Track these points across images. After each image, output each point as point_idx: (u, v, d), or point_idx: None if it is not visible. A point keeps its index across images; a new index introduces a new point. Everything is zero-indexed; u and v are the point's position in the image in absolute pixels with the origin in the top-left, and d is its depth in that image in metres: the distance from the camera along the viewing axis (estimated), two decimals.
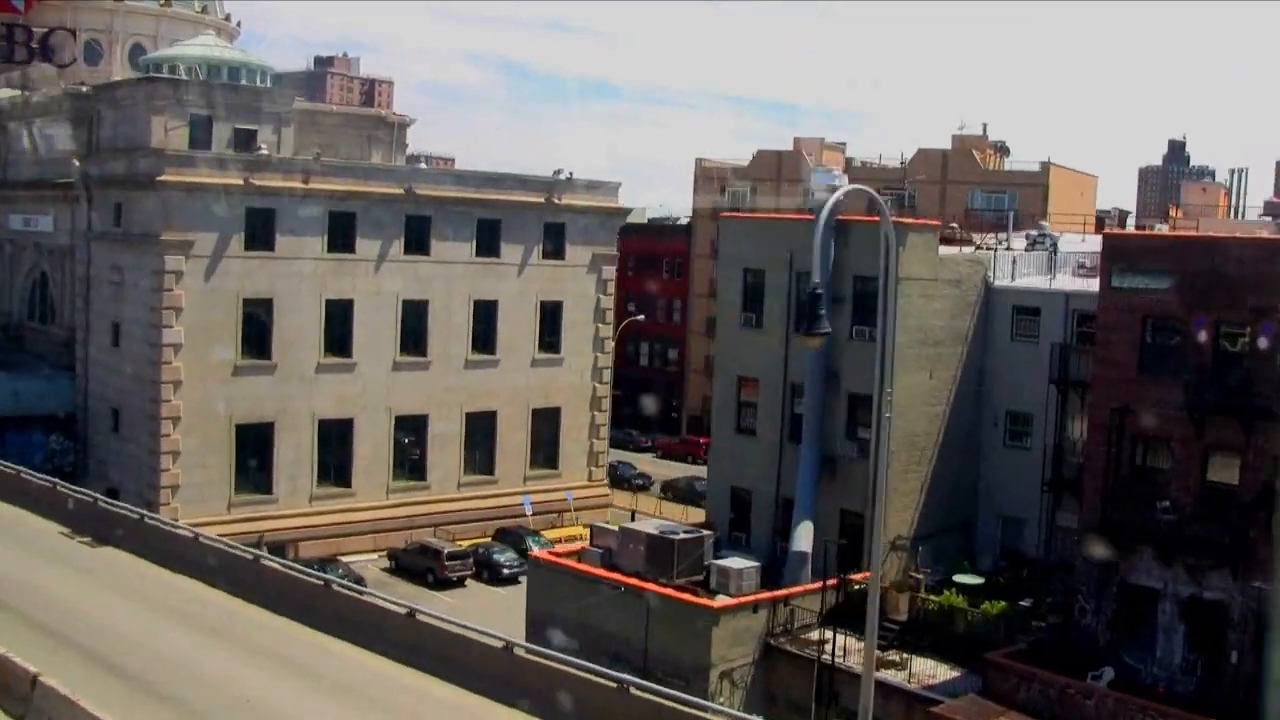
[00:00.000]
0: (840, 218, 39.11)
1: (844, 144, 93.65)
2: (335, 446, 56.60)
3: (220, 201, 52.05)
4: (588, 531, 62.62)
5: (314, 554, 53.78)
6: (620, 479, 71.53)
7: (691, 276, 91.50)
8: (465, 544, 56.07)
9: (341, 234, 55.52)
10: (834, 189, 38.54)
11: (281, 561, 36.94)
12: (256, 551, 38.84)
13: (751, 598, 34.99)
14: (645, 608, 34.82)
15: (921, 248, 39.16)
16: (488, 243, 59.81)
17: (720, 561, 36.19)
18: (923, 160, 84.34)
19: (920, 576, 38.55)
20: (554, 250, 62.10)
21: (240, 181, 52.47)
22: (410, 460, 59.00)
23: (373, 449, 57.54)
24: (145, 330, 52.69)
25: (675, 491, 72.83)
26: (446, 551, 53.17)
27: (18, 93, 69.66)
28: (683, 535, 36.96)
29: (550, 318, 62.53)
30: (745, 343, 41.24)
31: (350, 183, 55.55)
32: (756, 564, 36.36)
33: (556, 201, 61.72)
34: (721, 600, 34.49)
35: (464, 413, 60.12)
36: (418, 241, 57.76)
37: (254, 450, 54.38)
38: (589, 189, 63.55)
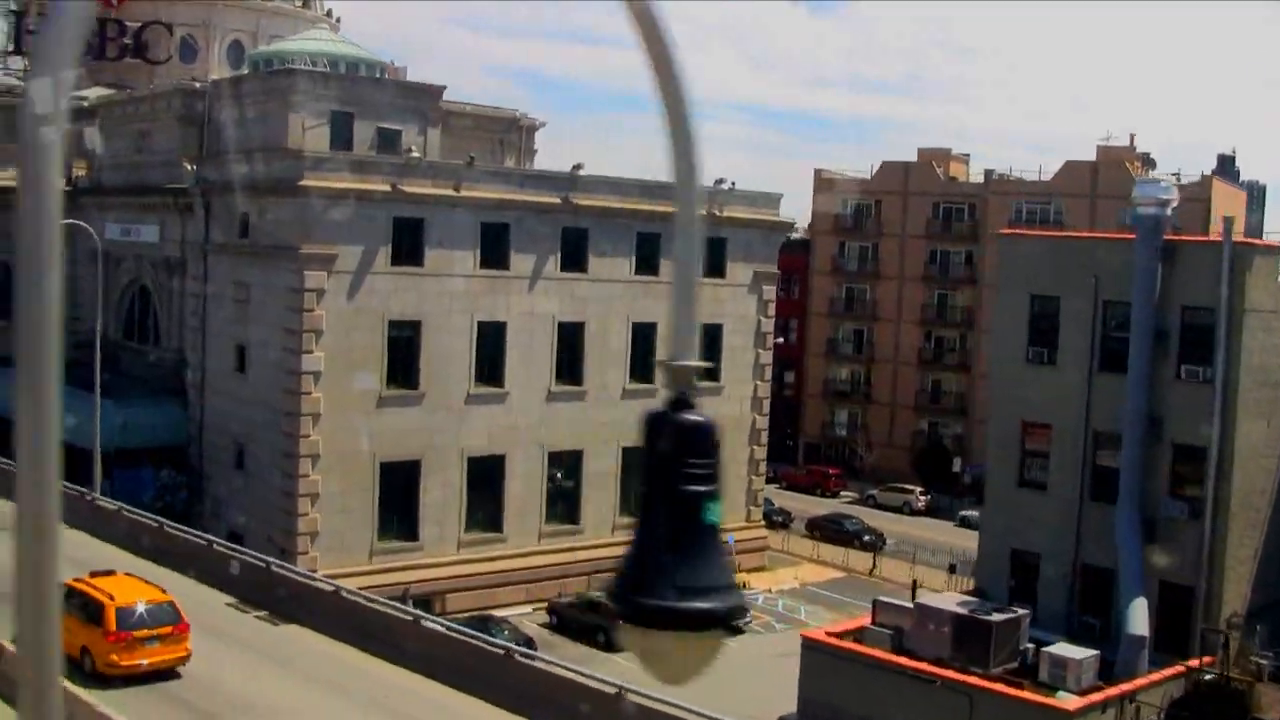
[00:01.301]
0: (1166, 238, 32.84)
1: (968, 155, 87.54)
2: (485, 487, 50.30)
3: (365, 210, 45.93)
4: (747, 580, 56.95)
5: (463, 607, 47.67)
6: None
7: (810, 295, 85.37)
8: None
9: (494, 248, 49.34)
10: (1163, 202, 32.45)
11: (446, 624, 31.09)
12: (423, 615, 32.97)
13: (1100, 695, 28.60)
14: (966, 706, 28.44)
15: (1266, 274, 32.75)
16: (647, 259, 53.57)
17: (1052, 649, 29.79)
18: (1069, 173, 78.03)
19: (1262, 661, 32.21)
20: (713, 268, 55.84)
21: (387, 188, 46.31)
22: (563, 501, 52.69)
23: (524, 489, 51.23)
24: (279, 355, 46.46)
25: (822, 531, 66.51)
26: None
27: (110, 91, 63.65)
28: (999, 615, 30.56)
29: (709, 342, 56.20)
30: (1032, 381, 34.86)
31: (504, 190, 49.37)
32: (1095, 652, 29.95)
33: (718, 214, 55.45)
34: (1070, 700, 28.06)
35: (620, 448, 53.77)
36: (574, 257, 51.57)
37: (398, 492, 48.09)
38: (751, 201, 57.36)
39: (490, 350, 49.65)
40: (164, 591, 27.79)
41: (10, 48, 65.87)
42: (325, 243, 45.34)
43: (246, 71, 60.17)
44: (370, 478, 47.25)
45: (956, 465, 76.55)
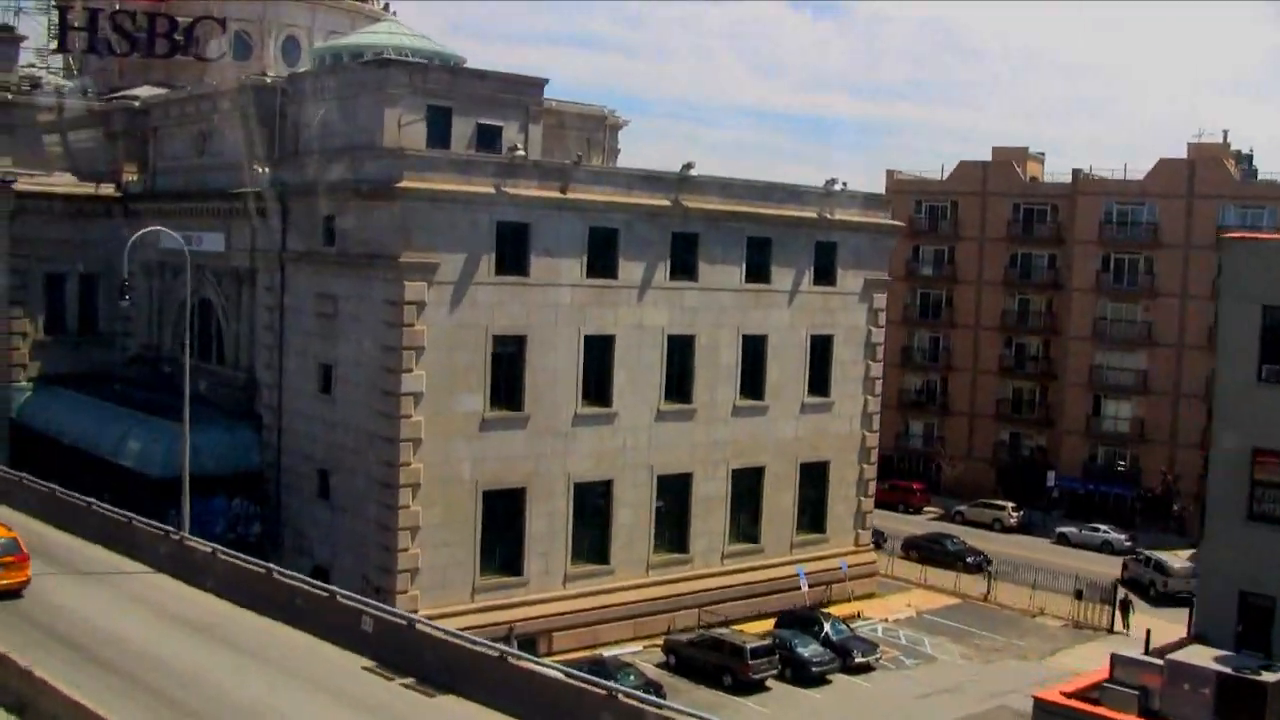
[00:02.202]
0: None
1: (1044, 154, 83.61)
2: (591, 515, 46.23)
3: (469, 214, 41.89)
4: (860, 609, 52.91)
5: (568, 646, 43.73)
6: None
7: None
8: (750, 630, 45.77)
9: (602, 255, 45.27)
10: None
11: (568, 671, 27.05)
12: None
13: None
14: None
15: None
16: (758, 266, 49.59)
17: None
18: (1163, 172, 74.09)
19: None
20: (824, 275, 51.88)
21: (491, 190, 42.24)
22: (672, 529, 48.61)
23: (633, 517, 47.13)
24: (373, 374, 42.33)
25: (921, 552, 62.49)
26: (750, 648, 42.66)
27: (160, 91, 59.46)
28: (1270, 675, 26.51)
29: (820, 355, 52.23)
30: (1264, 404, 30.83)
31: (612, 193, 45.29)
32: None
33: (829, 217, 51.49)
34: None
35: (730, 470, 49.75)
36: (684, 264, 47.51)
37: (501, 523, 43.99)
38: (861, 202, 53.35)
39: (597, 367, 45.60)
40: (9, 529, 31.99)
41: (53, 45, 61.64)
42: (426, 250, 41.25)
43: (309, 68, 55.97)
44: (472, 508, 43.13)
45: (1050, 479, 72.44)
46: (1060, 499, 74.32)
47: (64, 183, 57.89)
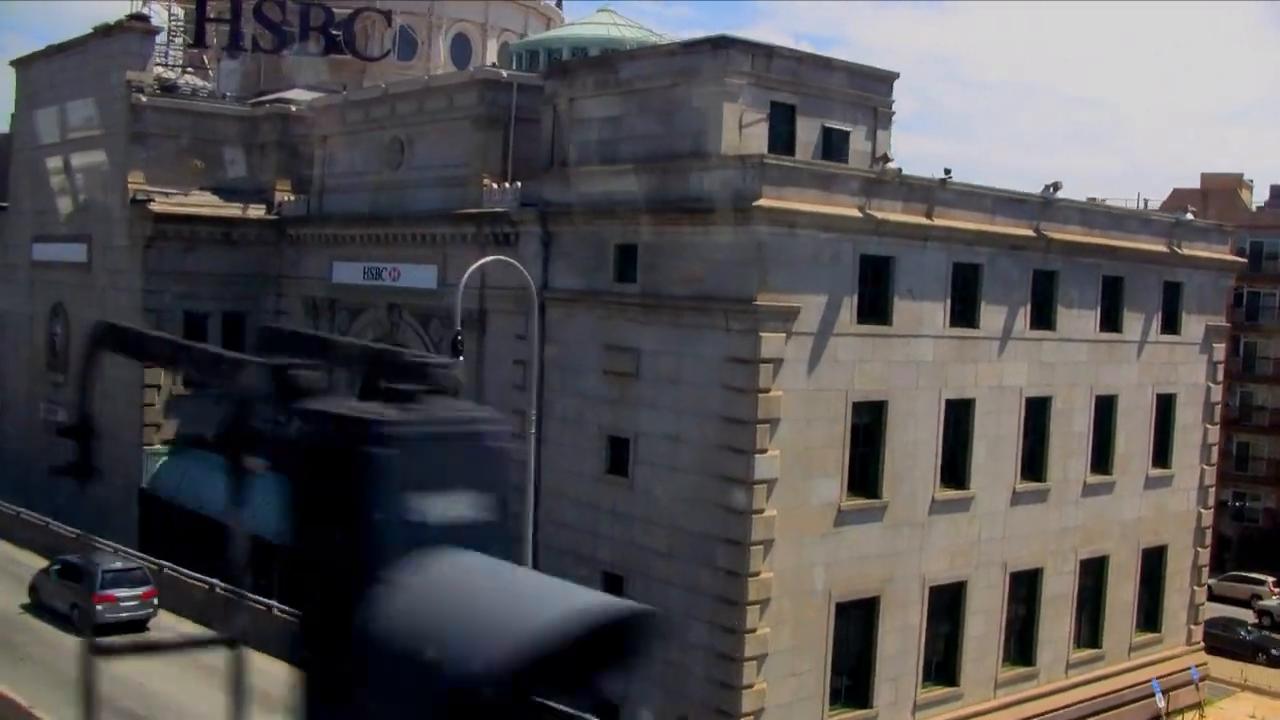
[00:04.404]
0: None
1: (1251, 180, 75.22)
2: (941, 627, 36.62)
3: (830, 245, 32.36)
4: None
5: None
6: None
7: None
8: None
9: (963, 298, 35.87)
10: None
11: None
12: None
13: None
14: None
15: None
16: (1110, 312, 40.36)
17: None
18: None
19: None
20: (1170, 321, 42.75)
21: (856, 212, 32.71)
22: (1018, 637, 39.05)
23: (984, 626, 37.51)
24: (705, 455, 32.44)
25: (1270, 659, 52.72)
26: None
27: (316, 96, 49.27)
28: None
29: (1162, 418, 43.04)
30: None
31: (977, 219, 35.89)
32: None
33: (1178, 251, 42.39)
34: None
35: (1078, 561, 40.36)
36: (1042, 310, 38.20)
37: (851, 643, 34.27)
38: (1208, 234, 44.34)
39: (955, 439, 36.06)
40: None
41: (189, 40, 51.36)
42: (784, 291, 31.57)
43: (507, 68, 46.19)
44: (824, 626, 33.35)
45: None
46: None
47: (205, 203, 47.63)
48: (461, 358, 27.92)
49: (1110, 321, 40.33)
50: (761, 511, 31.59)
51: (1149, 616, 43.77)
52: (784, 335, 31.61)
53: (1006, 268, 36.79)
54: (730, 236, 31.75)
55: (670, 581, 33.37)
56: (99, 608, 32.14)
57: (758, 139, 33.62)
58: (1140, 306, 41.36)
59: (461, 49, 54.91)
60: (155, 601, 34.31)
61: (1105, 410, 40.49)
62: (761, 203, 30.93)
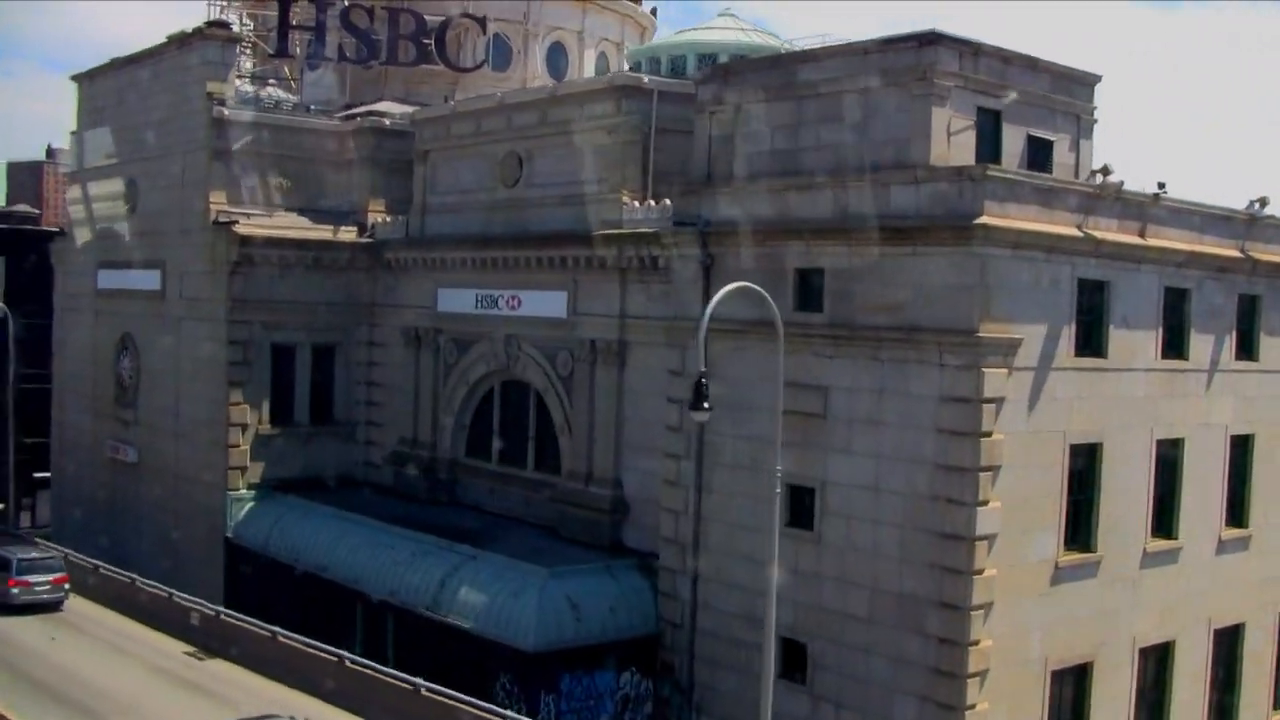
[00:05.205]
0: None
1: None
2: (1149, 694, 32.95)
3: (1050, 268, 28.86)
4: None
5: None
6: None
7: None
8: None
9: (1173, 327, 32.37)
10: None
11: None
12: None
13: None
14: None
15: None
16: None
17: None
18: None
19: None
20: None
21: (1075, 231, 29.23)
22: (1219, 701, 35.41)
23: (1190, 691, 33.90)
24: (910, 506, 28.78)
25: None
26: None
27: (413, 108, 45.55)
28: None
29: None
30: None
31: (1188, 239, 32.41)
32: None
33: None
34: None
35: (1278, 616, 36.76)
36: (1246, 338, 34.73)
37: (1063, 713, 30.60)
38: None
39: (1164, 483, 32.48)
40: None
41: (266, 49, 47.70)
42: (1005, 321, 28.02)
43: (603, 80, 42.57)
44: (1039, 699, 29.70)
45: None
46: None
47: (292, 225, 43.90)
48: (708, 405, 24.03)
49: None
50: (982, 572, 27.94)
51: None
52: (1006, 371, 28.03)
53: (1212, 293, 33.31)
54: (945, 259, 28.19)
55: (870, 650, 29.68)
56: (14, 590, 36.83)
57: (963, 149, 30.06)
58: None
59: (557, 59, 51.33)
60: (67, 587, 38.10)
61: None
62: (984, 220, 27.41)
